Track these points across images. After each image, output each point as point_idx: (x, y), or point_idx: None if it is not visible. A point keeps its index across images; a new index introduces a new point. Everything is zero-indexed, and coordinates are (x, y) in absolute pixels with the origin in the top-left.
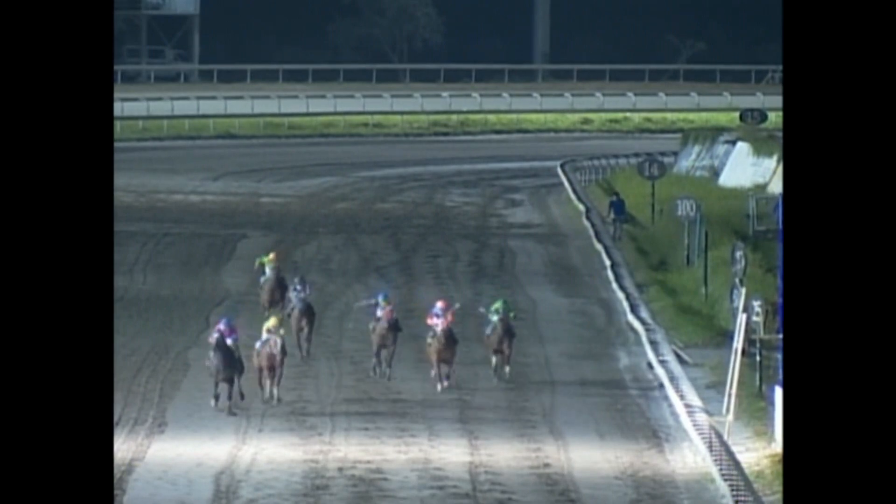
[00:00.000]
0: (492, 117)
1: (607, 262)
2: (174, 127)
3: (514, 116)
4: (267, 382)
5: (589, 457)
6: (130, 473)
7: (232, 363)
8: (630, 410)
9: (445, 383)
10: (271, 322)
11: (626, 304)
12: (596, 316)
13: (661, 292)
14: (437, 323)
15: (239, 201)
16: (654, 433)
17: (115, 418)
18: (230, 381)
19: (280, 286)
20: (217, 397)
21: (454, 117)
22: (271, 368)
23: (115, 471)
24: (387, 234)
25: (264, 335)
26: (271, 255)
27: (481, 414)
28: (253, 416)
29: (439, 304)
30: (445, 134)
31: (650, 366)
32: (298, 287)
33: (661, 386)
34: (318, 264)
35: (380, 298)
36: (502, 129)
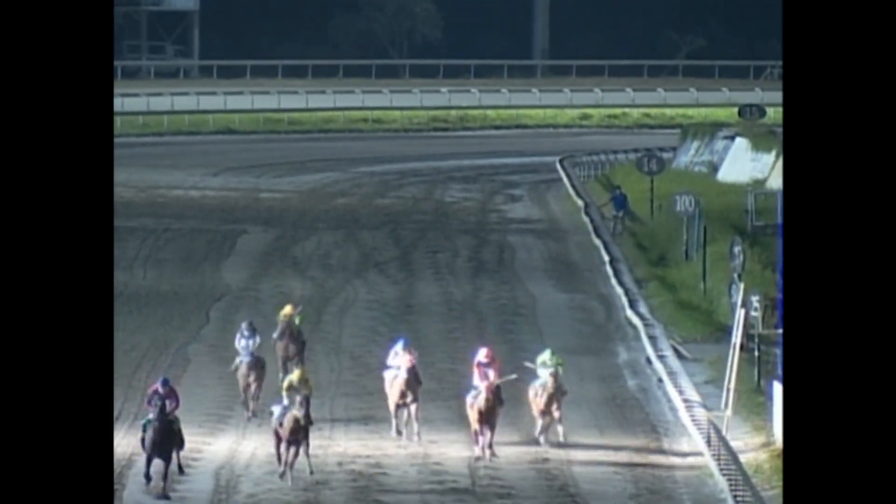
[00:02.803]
0: (491, 113)
1: (606, 258)
2: (174, 122)
3: (513, 112)
4: (286, 456)
5: (588, 451)
6: (130, 468)
7: (171, 436)
8: (629, 405)
9: (488, 451)
10: (294, 376)
11: (625, 300)
12: (595, 311)
13: (660, 288)
14: (482, 382)
15: (239, 197)
16: (654, 428)
17: (116, 413)
18: (167, 458)
19: (295, 341)
20: (148, 477)
21: (453, 113)
22: (293, 442)
23: (115, 466)
24: (386, 229)
25: (285, 398)
26: (287, 309)
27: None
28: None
29: (484, 353)
30: (445, 129)
31: (649, 361)
32: (246, 334)
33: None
34: (317, 260)
35: (399, 346)
36: (501, 125)
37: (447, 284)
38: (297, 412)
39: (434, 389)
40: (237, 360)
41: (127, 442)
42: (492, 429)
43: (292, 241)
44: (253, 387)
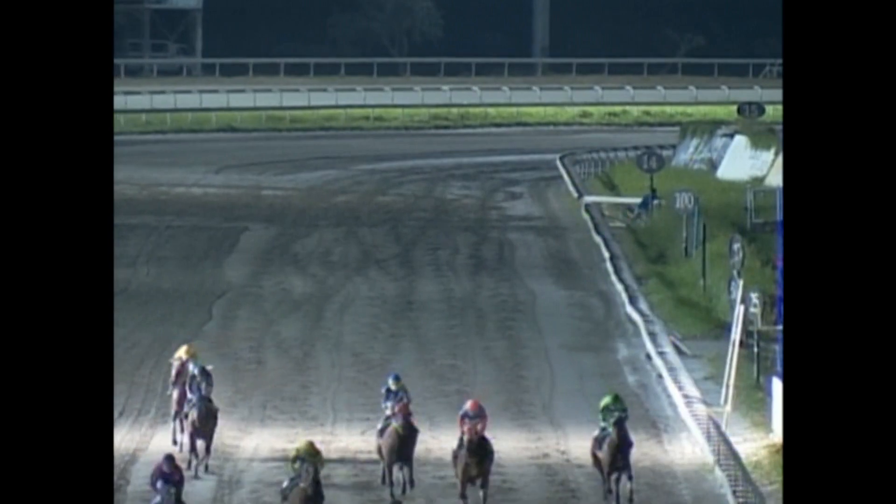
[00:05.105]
0: (491, 110)
1: (606, 255)
2: (177, 120)
3: (513, 110)
4: None
5: (588, 447)
6: (134, 464)
7: None
8: (629, 401)
9: None
10: (301, 445)
11: (624, 297)
12: (595, 308)
13: (660, 284)
14: (467, 429)
15: (240, 194)
16: (653, 424)
17: (119, 409)
18: None
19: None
20: None
21: (454, 111)
22: None
23: (119, 461)
24: (387, 226)
25: (292, 470)
26: (181, 351)
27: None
28: (255, 406)
29: (469, 405)
30: (445, 127)
31: (648, 357)
32: (198, 377)
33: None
34: (318, 257)
35: (389, 381)
36: (502, 123)
37: (447, 281)
38: (304, 485)
39: (434, 386)
40: (186, 406)
41: (130, 438)
42: (481, 481)
43: (293, 238)
44: (200, 443)
